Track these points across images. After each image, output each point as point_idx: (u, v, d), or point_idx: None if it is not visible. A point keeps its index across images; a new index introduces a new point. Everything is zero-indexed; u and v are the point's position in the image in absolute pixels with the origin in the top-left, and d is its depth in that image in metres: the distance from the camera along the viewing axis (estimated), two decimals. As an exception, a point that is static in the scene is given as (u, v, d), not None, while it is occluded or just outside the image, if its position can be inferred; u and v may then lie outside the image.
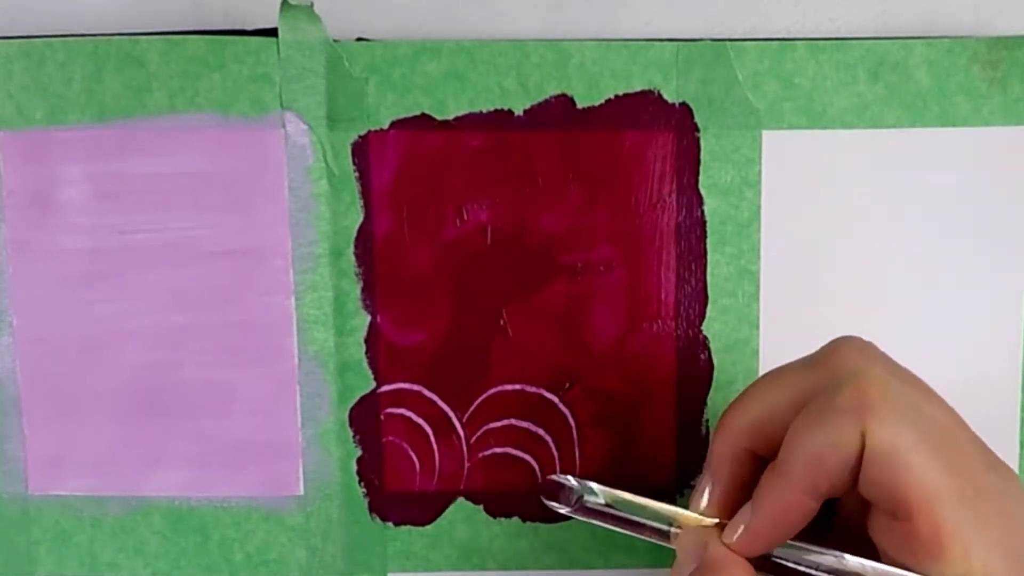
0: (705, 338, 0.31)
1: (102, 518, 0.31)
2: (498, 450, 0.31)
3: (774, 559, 0.24)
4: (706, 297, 0.31)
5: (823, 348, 0.25)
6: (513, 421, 0.31)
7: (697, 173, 0.30)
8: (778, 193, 0.30)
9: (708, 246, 0.31)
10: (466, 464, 0.31)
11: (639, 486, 0.31)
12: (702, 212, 0.30)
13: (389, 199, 0.30)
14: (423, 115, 0.30)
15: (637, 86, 0.30)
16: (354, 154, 0.30)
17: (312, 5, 0.29)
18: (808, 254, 0.31)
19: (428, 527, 0.31)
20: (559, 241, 0.30)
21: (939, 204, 0.31)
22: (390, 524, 0.31)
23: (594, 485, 0.27)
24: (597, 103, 0.30)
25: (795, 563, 0.24)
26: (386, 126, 0.30)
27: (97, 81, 0.30)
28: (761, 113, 0.30)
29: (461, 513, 0.31)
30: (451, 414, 0.31)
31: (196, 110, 0.30)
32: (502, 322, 0.31)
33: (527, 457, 0.31)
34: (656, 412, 0.31)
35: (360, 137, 0.30)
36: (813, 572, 0.23)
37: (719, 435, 0.26)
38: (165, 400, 0.31)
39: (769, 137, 0.30)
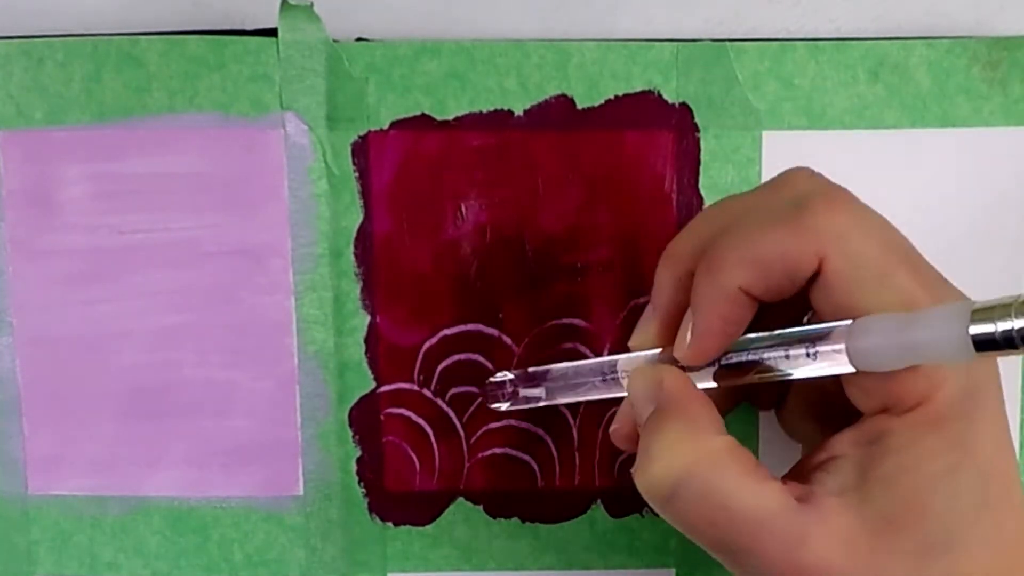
0: (705, 338, 0.31)
1: (102, 518, 0.31)
2: (498, 450, 0.31)
3: (734, 364, 0.24)
4: (706, 297, 0.31)
5: (775, 177, 0.24)
6: (512, 422, 0.31)
7: (697, 173, 0.30)
8: (778, 193, 0.30)
9: (708, 246, 0.31)
10: (466, 464, 0.31)
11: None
12: (702, 212, 0.30)
13: (389, 199, 0.30)
14: (423, 115, 0.30)
15: (637, 86, 0.30)
16: (354, 154, 0.30)
17: (312, 5, 0.29)
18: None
19: (428, 527, 0.31)
20: (559, 241, 0.30)
21: (939, 204, 0.31)
22: (390, 524, 0.31)
23: (530, 369, 0.28)
24: (597, 103, 0.30)
25: (754, 359, 0.23)
26: (386, 126, 0.30)
27: (97, 81, 0.30)
28: (761, 113, 0.30)
29: (461, 513, 0.31)
30: (451, 414, 0.31)
31: (196, 110, 0.30)
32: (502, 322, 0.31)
33: (527, 458, 0.31)
34: (656, 412, 0.31)
35: (360, 137, 0.30)
36: (774, 367, 0.23)
37: (662, 262, 0.25)
38: (165, 400, 0.31)
39: (769, 137, 0.30)
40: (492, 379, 0.29)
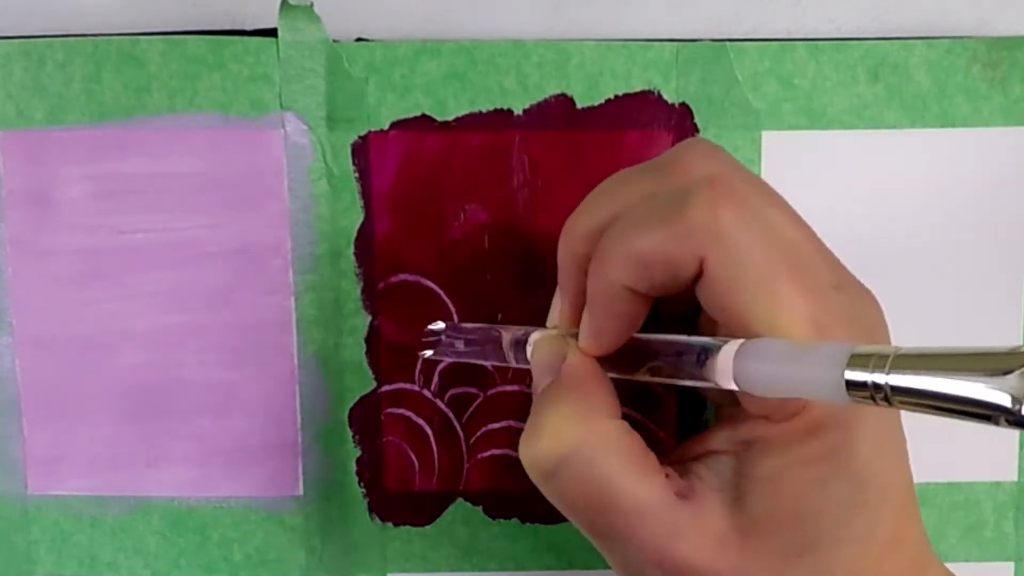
0: (705, 338, 0.31)
1: (101, 518, 0.31)
2: (497, 451, 0.31)
3: (629, 357, 0.23)
4: (706, 297, 0.31)
5: (669, 152, 0.23)
6: (512, 422, 0.31)
7: (697, 173, 0.30)
8: (778, 193, 0.30)
9: (708, 246, 0.30)
10: (465, 465, 0.31)
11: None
12: (702, 212, 0.30)
13: (389, 199, 0.30)
14: (423, 116, 0.30)
15: (637, 86, 0.30)
16: (354, 154, 0.30)
17: (312, 5, 0.29)
18: (808, 254, 0.31)
19: (428, 527, 0.31)
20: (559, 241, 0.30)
21: (939, 204, 0.31)
22: (390, 524, 0.31)
23: (460, 324, 0.28)
24: (597, 103, 0.30)
25: (648, 359, 0.23)
26: (386, 127, 0.30)
27: (97, 81, 0.30)
28: (761, 113, 0.30)
29: (460, 514, 0.31)
30: (451, 415, 0.31)
31: (196, 110, 0.30)
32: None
33: (527, 457, 0.31)
34: (656, 412, 0.31)
35: (360, 138, 0.30)
36: (664, 370, 0.22)
37: (560, 244, 0.25)
38: (165, 400, 0.31)
39: (769, 137, 0.30)
40: (431, 327, 0.29)
